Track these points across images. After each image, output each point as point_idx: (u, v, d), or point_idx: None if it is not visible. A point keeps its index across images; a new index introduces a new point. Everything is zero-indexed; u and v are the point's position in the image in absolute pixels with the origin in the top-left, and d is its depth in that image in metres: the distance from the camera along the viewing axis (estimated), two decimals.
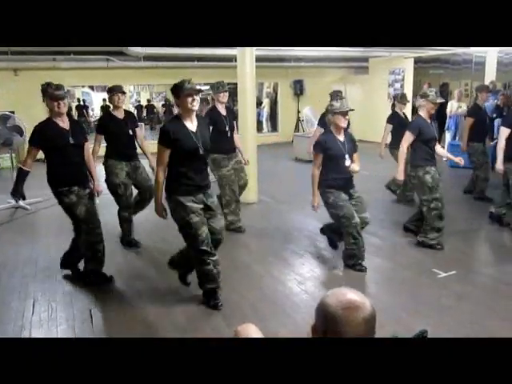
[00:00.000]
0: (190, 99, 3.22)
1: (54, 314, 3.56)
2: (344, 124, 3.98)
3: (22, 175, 3.89)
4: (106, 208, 5.22)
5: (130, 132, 4.75)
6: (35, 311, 3.59)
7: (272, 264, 4.44)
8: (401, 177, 4.61)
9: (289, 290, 3.92)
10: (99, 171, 4.52)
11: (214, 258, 3.47)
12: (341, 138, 4.05)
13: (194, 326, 3.31)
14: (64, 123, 3.81)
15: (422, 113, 4.52)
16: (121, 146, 4.72)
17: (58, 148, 3.77)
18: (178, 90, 3.24)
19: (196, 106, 3.27)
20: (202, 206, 3.40)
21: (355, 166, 4.06)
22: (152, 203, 5.59)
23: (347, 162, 4.01)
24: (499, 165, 4.96)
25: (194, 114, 3.35)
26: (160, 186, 3.37)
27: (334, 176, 4.04)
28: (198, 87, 3.27)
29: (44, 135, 3.75)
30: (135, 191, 5.01)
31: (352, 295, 1.23)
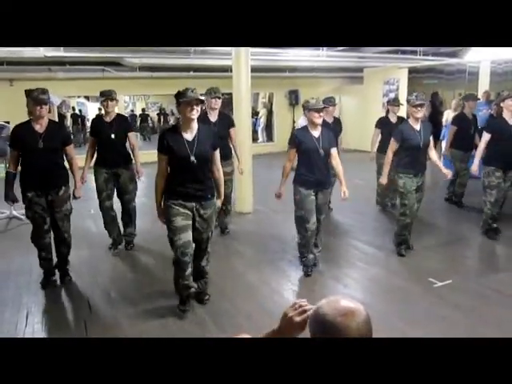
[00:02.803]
0: (189, 108, 3.25)
1: (48, 326, 3.53)
2: (318, 120, 4.04)
3: (7, 178, 3.93)
4: (101, 217, 5.18)
5: (112, 136, 4.71)
6: (29, 322, 3.55)
7: (268, 274, 4.42)
8: (384, 181, 4.69)
9: (285, 299, 3.90)
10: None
11: (186, 274, 3.50)
12: (315, 133, 4.10)
13: (187, 335, 3.28)
14: (41, 127, 3.83)
15: (410, 119, 4.58)
16: (102, 151, 4.78)
17: (27, 151, 3.82)
18: (180, 98, 3.27)
19: (195, 115, 3.29)
20: (190, 213, 3.42)
21: (346, 192, 4.23)
22: (140, 212, 5.59)
23: (318, 157, 4.08)
24: (475, 166, 5.08)
25: (194, 122, 3.36)
26: (157, 192, 3.44)
27: (305, 172, 4.11)
28: (199, 97, 3.27)
29: (17, 137, 3.84)
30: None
31: (345, 302, 1.25)
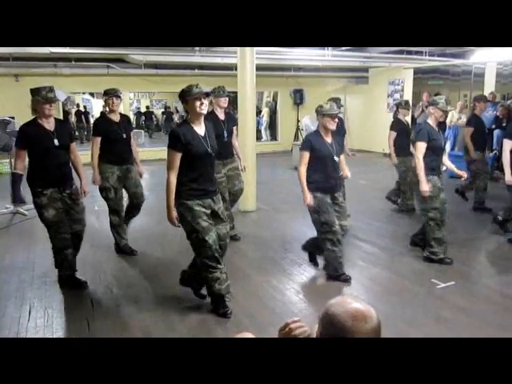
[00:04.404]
0: (198, 103, 3.22)
1: (50, 321, 3.53)
2: (332, 126, 3.94)
3: (15, 179, 3.88)
4: (104, 214, 5.19)
5: (124, 135, 4.72)
6: (31, 318, 3.56)
7: (270, 273, 4.42)
8: (425, 187, 4.35)
9: (287, 298, 3.90)
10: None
11: (221, 266, 3.45)
12: (328, 139, 4.02)
13: (190, 335, 3.29)
14: (49, 124, 3.82)
15: (430, 120, 4.48)
16: (114, 150, 4.70)
17: (42, 149, 3.78)
18: (186, 95, 3.24)
19: (204, 109, 3.26)
20: (209, 211, 3.38)
21: (347, 172, 4.22)
22: (144, 211, 5.59)
23: (332, 163, 3.99)
24: (508, 177, 4.93)
25: (203, 118, 3.34)
26: (171, 191, 3.28)
27: (320, 178, 3.99)
28: (205, 90, 3.25)
29: (28, 136, 3.77)
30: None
31: (358, 304, 1.23)
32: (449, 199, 6.77)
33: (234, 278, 4.30)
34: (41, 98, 3.71)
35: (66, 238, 3.98)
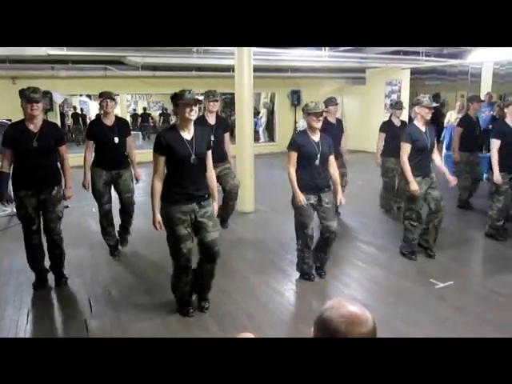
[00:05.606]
0: (188, 109, 3.23)
1: (49, 323, 3.53)
2: (317, 124, 3.96)
3: (1, 177, 3.89)
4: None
5: (116, 140, 4.67)
6: (29, 320, 3.56)
7: (269, 274, 4.42)
8: (414, 187, 4.41)
9: (286, 300, 3.90)
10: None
11: (188, 278, 3.52)
12: (315, 138, 4.04)
13: (190, 335, 3.29)
14: (35, 127, 3.81)
15: (416, 121, 4.52)
16: (103, 154, 4.71)
17: (21, 150, 3.79)
18: (178, 99, 3.26)
19: (193, 115, 3.27)
20: (191, 216, 3.37)
21: (342, 199, 4.22)
22: (142, 213, 5.58)
23: (317, 162, 4.01)
24: (497, 176, 4.97)
25: (192, 123, 3.34)
26: (155, 195, 3.33)
27: (306, 176, 4.03)
28: (197, 97, 3.26)
29: (11, 136, 3.80)
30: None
31: (353, 308, 1.21)
32: (444, 199, 6.82)
33: (233, 278, 4.31)
34: (23, 97, 3.72)
35: (29, 242, 4.02)
